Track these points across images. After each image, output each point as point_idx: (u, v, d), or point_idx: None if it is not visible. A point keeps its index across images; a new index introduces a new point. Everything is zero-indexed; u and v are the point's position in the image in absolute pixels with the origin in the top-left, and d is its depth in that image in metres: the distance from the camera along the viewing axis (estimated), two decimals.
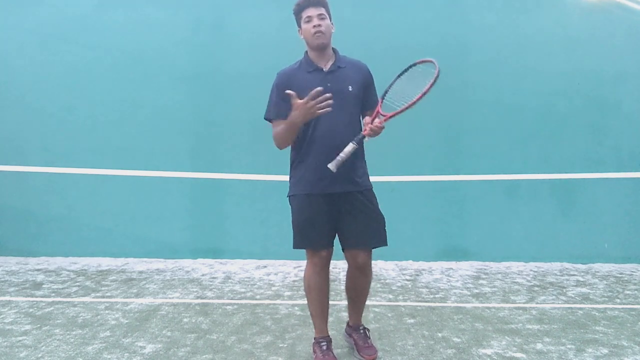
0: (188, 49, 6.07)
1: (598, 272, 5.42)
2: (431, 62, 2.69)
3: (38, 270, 5.31)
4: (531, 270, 5.47)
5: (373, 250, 2.92)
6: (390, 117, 2.71)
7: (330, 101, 2.61)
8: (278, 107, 2.85)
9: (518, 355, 3.05)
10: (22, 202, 6.04)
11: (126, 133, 6.01)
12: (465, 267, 5.58)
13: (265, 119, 2.95)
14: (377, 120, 2.71)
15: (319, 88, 2.63)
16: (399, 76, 2.83)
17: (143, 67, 6.04)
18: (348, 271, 2.99)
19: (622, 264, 5.76)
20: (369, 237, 2.86)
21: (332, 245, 2.93)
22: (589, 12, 6.04)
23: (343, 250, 2.94)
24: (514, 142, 5.97)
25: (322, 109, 2.61)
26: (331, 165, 2.64)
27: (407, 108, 2.66)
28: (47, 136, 6.03)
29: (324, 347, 2.94)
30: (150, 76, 6.04)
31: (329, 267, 2.97)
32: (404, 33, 5.97)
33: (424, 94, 2.62)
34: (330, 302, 4.14)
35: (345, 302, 4.16)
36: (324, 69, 2.87)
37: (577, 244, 5.88)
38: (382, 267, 5.50)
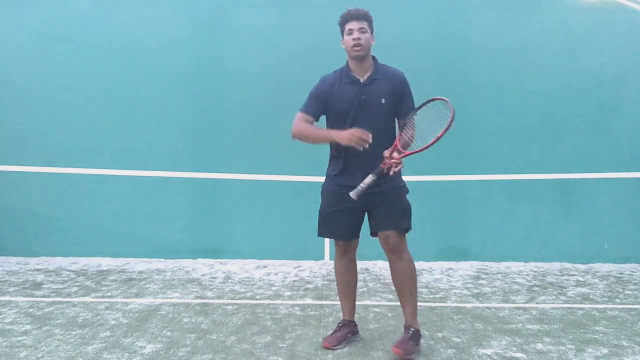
0: (187, 49, 6.06)
1: (598, 272, 5.42)
2: (446, 102, 2.81)
3: (38, 270, 5.31)
4: (531, 270, 5.47)
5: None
6: (406, 155, 2.86)
7: (365, 144, 2.81)
8: (314, 106, 3.09)
9: (518, 355, 3.05)
10: (22, 202, 6.04)
11: (125, 133, 6.00)
12: (465, 267, 5.58)
13: (300, 110, 3.12)
14: (395, 154, 2.83)
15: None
16: (416, 110, 2.94)
17: (142, 66, 6.04)
18: (388, 261, 3.11)
19: (622, 264, 5.76)
20: (397, 219, 3.01)
21: (352, 237, 3.15)
22: (590, 13, 6.04)
23: (377, 235, 3.08)
24: (514, 143, 5.97)
25: (361, 144, 2.81)
26: (352, 194, 2.83)
27: (422, 150, 2.84)
28: (46, 136, 6.03)
29: (337, 327, 3.26)
30: (149, 76, 6.04)
31: (351, 256, 3.21)
32: (405, 33, 5.97)
33: (438, 139, 2.79)
34: (329, 302, 4.16)
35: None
36: (361, 81, 3.03)
37: (577, 244, 5.88)
38: (382, 267, 5.50)
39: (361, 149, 2.82)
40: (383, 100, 2.99)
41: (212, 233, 6.03)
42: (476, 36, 6.00)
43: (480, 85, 5.97)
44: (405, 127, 2.94)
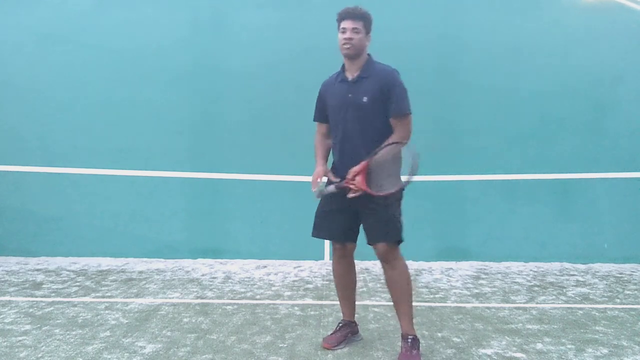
0: (186, 48, 6.06)
1: (598, 272, 5.42)
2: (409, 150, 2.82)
3: (38, 270, 5.31)
4: (531, 270, 5.47)
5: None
6: (364, 190, 2.83)
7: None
8: (320, 113, 3.21)
9: (518, 355, 3.05)
10: (21, 202, 6.04)
11: (125, 133, 6.00)
12: (465, 267, 5.58)
13: (314, 120, 3.26)
14: (358, 178, 2.82)
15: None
16: (390, 144, 2.86)
17: (142, 66, 6.04)
18: (382, 269, 3.10)
19: (622, 264, 5.76)
20: (385, 231, 2.95)
21: (346, 240, 3.11)
22: (586, 13, 6.05)
23: None
24: (513, 142, 5.97)
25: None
26: (315, 191, 3.00)
27: (380, 194, 2.82)
28: (45, 136, 6.02)
29: (337, 327, 3.25)
30: (148, 75, 6.04)
31: (349, 260, 3.19)
32: (401, 33, 5.96)
33: (388, 194, 2.80)
34: (329, 302, 4.15)
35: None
36: (349, 79, 3.04)
37: (576, 244, 5.89)
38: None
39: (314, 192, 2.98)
40: (365, 99, 2.95)
41: (212, 233, 6.03)
42: (472, 36, 6.00)
43: (477, 86, 5.97)
44: (376, 153, 2.85)
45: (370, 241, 3.00)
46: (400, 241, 2.98)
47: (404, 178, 2.83)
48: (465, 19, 6.03)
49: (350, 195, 2.85)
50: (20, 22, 6.07)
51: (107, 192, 6.02)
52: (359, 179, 2.82)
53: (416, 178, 2.76)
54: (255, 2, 6.09)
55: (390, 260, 2.98)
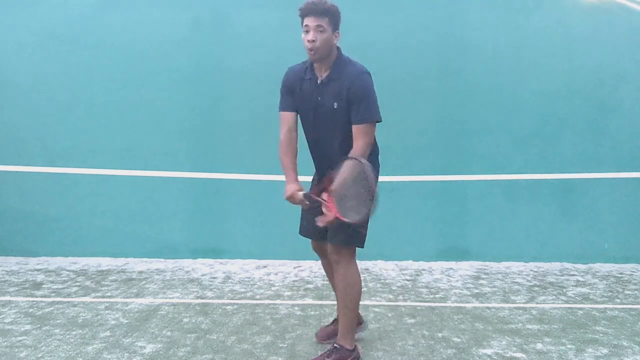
0: (188, 49, 6.06)
1: (598, 272, 5.42)
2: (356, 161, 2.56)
3: (38, 270, 5.31)
4: (531, 270, 5.47)
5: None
6: (338, 216, 2.53)
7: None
8: (285, 101, 2.98)
9: (518, 355, 3.05)
10: (22, 202, 6.03)
11: (126, 133, 6.00)
12: (465, 267, 5.57)
13: (280, 109, 3.03)
14: (325, 195, 2.59)
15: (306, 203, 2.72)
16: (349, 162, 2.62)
17: (142, 66, 6.03)
18: None
19: (622, 264, 5.75)
20: (332, 233, 2.82)
21: (322, 239, 2.95)
22: (589, 12, 6.04)
23: None
24: (514, 142, 5.96)
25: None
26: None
27: (352, 221, 2.52)
28: (46, 136, 6.02)
29: (332, 322, 3.27)
30: (149, 76, 6.03)
31: (329, 259, 3.02)
32: (404, 33, 5.96)
33: (355, 221, 2.52)
34: (329, 302, 4.15)
35: None
36: (318, 81, 2.83)
37: (577, 244, 5.88)
38: (382, 267, 5.50)
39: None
40: (335, 105, 2.73)
41: (212, 233, 6.03)
42: (475, 36, 6.00)
43: (479, 86, 5.97)
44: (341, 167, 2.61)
45: (327, 239, 2.88)
46: (348, 247, 2.83)
47: (366, 205, 2.50)
48: (468, 20, 6.01)
49: (321, 221, 2.56)
50: (21, 22, 6.06)
51: (107, 192, 6.01)
52: (330, 207, 2.56)
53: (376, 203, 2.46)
54: (256, 2, 6.09)
55: (334, 262, 2.88)
